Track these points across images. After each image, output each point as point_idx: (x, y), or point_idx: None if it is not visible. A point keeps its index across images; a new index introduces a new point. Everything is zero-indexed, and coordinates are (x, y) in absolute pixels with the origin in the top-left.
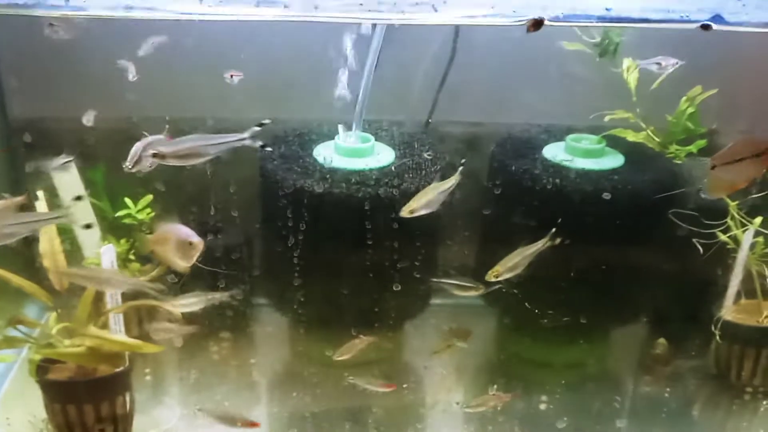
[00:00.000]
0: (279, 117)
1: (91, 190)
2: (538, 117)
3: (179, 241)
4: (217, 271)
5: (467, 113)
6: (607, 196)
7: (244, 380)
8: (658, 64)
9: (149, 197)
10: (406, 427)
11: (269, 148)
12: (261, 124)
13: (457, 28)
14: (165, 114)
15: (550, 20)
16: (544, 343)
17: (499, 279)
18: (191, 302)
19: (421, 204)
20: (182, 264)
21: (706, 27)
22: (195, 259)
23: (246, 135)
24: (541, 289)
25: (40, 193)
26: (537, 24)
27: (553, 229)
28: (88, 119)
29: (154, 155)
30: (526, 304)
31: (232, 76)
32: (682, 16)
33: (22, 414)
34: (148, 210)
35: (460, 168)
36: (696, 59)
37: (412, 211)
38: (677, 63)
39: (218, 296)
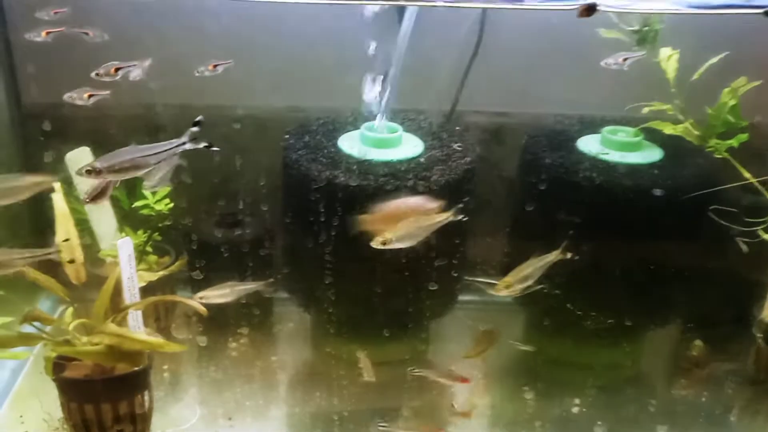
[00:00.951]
0: (302, 105)
1: None
2: (568, 107)
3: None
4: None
5: (492, 103)
6: (657, 192)
7: (266, 378)
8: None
9: (168, 188)
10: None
11: (215, 148)
12: (197, 123)
13: (483, 14)
14: (185, 102)
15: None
16: (576, 343)
17: (509, 291)
18: (222, 294)
19: (398, 236)
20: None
21: None
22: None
23: (185, 139)
24: (574, 288)
25: (56, 185)
26: (589, 9)
27: (565, 242)
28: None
29: (88, 172)
30: (563, 303)
31: (215, 66)
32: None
33: (36, 412)
34: (167, 201)
35: (458, 206)
36: (739, 49)
37: (384, 243)
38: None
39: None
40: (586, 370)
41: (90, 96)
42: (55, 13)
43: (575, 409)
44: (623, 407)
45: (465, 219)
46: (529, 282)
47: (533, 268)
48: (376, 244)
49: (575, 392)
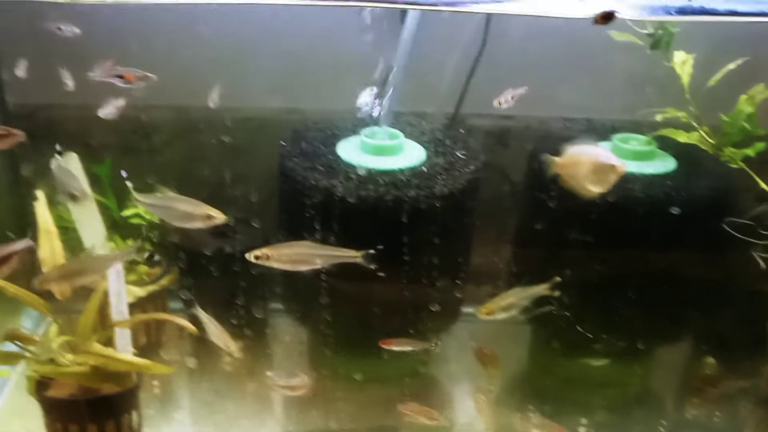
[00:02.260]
0: (299, 107)
1: (97, 186)
2: (575, 111)
3: (597, 164)
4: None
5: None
6: (675, 210)
7: (261, 395)
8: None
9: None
10: None
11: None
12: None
13: (488, 17)
14: (177, 103)
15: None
16: (583, 359)
17: (489, 317)
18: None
19: (279, 254)
20: (596, 190)
21: None
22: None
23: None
24: (582, 302)
25: (39, 193)
26: (607, 17)
27: (557, 278)
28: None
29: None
30: (571, 320)
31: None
32: None
33: None
34: None
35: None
36: (758, 55)
37: (258, 258)
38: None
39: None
40: (594, 388)
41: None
42: None
43: (582, 430)
44: (632, 428)
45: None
46: (512, 312)
47: (516, 297)
48: (250, 256)
49: (581, 412)
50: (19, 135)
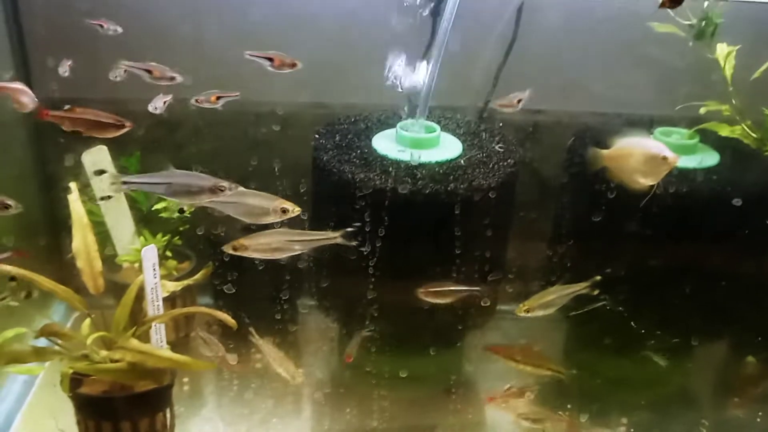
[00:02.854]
0: (326, 102)
1: None
2: (611, 106)
3: (649, 155)
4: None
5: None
6: (737, 201)
7: (293, 393)
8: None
9: None
10: None
11: None
12: None
13: (520, 8)
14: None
15: None
16: (621, 357)
17: (529, 314)
18: None
19: (257, 243)
20: (647, 182)
21: None
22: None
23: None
24: (621, 298)
25: (72, 186)
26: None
27: (597, 277)
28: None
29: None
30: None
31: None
32: None
33: (50, 429)
34: None
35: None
36: None
37: (236, 248)
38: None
39: None
40: (634, 387)
41: (218, 98)
42: None
43: (622, 429)
44: (672, 427)
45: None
46: (550, 309)
47: (557, 296)
48: (227, 248)
49: (621, 411)
50: (129, 125)
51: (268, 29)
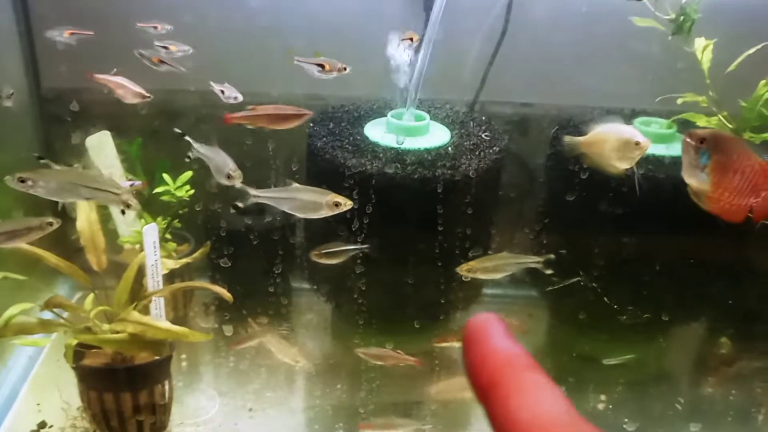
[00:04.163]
0: (321, 93)
1: (128, 164)
2: (596, 99)
3: (622, 140)
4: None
5: (516, 93)
6: None
7: (287, 368)
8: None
9: (189, 173)
10: (450, 425)
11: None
12: None
13: (510, 2)
14: (205, 88)
15: None
16: (600, 338)
17: (470, 275)
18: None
19: None
20: (621, 166)
21: None
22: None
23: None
24: (601, 281)
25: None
26: None
27: (551, 256)
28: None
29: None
30: (591, 297)
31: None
32: None
33: (54, 400)
34: (188, 187)
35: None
36: None
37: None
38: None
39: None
40: (610, 367)
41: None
42: None
43: (601, 406)
44: (649, 405)
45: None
46: (495, 274)
47: (503, 262)
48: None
49: (601, 388)
50: (308, 113)
51: (263, 20)
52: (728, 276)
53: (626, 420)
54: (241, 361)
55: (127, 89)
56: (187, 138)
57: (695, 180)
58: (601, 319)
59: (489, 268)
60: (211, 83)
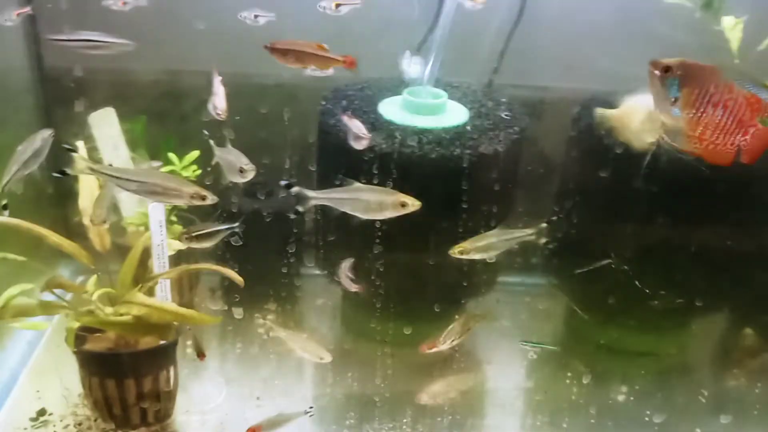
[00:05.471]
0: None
1: (132, 143)
2: (616, 83)
3: (652, 111)
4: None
5: (533, 77)
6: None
7: (296, 356)
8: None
9: (196, 153)
10: (469, 415)
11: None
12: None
13: None
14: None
15: None
16: (618, 328)
17: (464, 256)
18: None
19: None
20: (650, 138)
21: None
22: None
23: None
24: (617, 270)
25: (79, 144)
26: None
27: (543, 224)
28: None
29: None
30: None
31: (256, 16)
32: None
33: (54, 387)
34: (195, 167)
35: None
36: None
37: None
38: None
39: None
40: (631, 357)
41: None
42: None
43: (621, 397)
44: (670, 398)
45: None
46: (490, 252)
47: (496, 239)
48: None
49: (621, 380)
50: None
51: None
52: (750, 264)
53: (647, 412)
54: (249, 347)
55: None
56: (211, 142)
57: (667, 116)
58: (626, 307)
59: (483, 247)
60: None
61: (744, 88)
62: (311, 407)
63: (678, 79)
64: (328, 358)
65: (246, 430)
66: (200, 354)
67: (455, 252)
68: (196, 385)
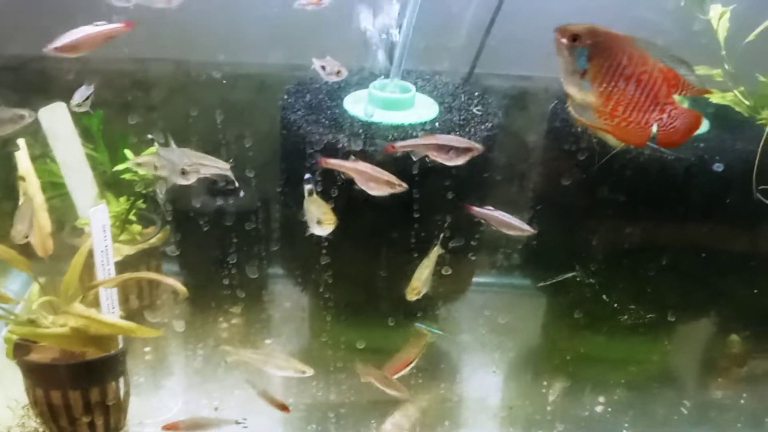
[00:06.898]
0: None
1: (87, 139)
2: None
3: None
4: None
5: (514, 66)
6: (718, 167)
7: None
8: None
9: (154, 150)
10: (443, 426)
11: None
12: None
13: None
14: (172, 57)
15: None
16: (600, 334)
17: (419, 296)
18: None
19: None
20: None
21: None
22: None
23: None
24: (600, 274)
25: (21, 142)
26: None
27: (441, 235)
28: None
29: None
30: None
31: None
32: None
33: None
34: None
35: None
36: None
37: None
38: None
39: None
40: (611, 364)
41: None
42: None
43: (599, 408)
44: (651, 408)
45: None
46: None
47: (429, 269)
48: None
49: (600, 389)
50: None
51: None
52: (739, 268)
53: (625, 424)
54: (210, 355)
55: None
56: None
57: (576, 89)
58: (594, 316)
59: (426, 281)
60: (314, 60)
61: (661, 61)
62: (244, 419)
63: (587, 48)
64: (309, 371)
65: (162, 426)
66: (283, 408)
67: (412, 295)
68: (152, 395)
